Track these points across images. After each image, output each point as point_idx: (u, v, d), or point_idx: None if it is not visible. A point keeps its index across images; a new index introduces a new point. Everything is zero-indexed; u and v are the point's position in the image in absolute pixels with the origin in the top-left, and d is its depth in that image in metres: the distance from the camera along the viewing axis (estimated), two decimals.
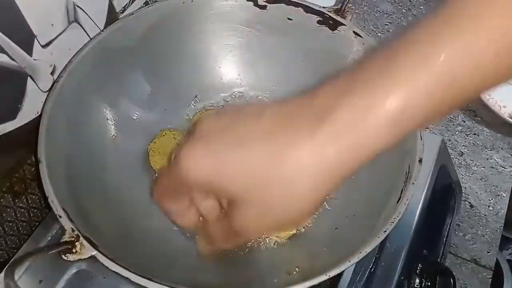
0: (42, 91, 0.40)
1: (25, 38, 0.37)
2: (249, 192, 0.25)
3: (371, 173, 0.42)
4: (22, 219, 0.43)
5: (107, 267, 0.31)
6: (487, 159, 0.60)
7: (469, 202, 0.57)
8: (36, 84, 0.39)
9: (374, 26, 0.73)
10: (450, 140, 0.62)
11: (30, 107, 0.39)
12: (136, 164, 0.45)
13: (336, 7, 0.45)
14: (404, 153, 0.38)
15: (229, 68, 0.50)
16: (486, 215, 0.57)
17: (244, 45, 0.49)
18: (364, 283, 0.42)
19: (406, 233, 0.44)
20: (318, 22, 0.46)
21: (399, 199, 0.36)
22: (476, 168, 0.59)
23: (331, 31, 0.45)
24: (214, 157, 0.25)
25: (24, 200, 0.42)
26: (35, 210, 0.44)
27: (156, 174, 0.45)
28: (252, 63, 0.50)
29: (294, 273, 0.37)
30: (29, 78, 0.38)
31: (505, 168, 0.59)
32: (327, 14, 0.45)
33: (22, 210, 0.43)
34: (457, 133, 0.62)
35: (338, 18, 0.45)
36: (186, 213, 0.31)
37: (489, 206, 0.57)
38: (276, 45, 0.49)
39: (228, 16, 0.48)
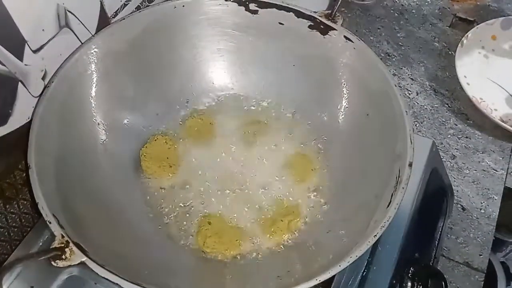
0: (33, 96, 0.40)
1: (15, 43, 0.36)
2: None
3: (362, 177, 0.42)
4: (13, 224, 0.42)
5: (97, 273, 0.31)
6: (479, 162, 0.60)
7: (461, 205, 0.58)
8: (27, 89, 0.39)
9: (367, 30, 0.74)
10: (442, 143, 0.62)
11: (21, 112, 0.39)
12: (127, 169, 0.45)
13: (328, 11, 0.45)
14: (394, 157, 0.38)
15: (220, 72, 0.51)
16: (478, 218, 0.57)
17: (236, 49, 0.49)
18: (356, 287, 0.42)
19: (398, 237, 0.44)
20: (309, 26, 0.46)
21: (389, 203, 0.36)
22: (468, 171, 0.60)
23: (322, 35, 0.46)
24: None
25: (15, 205, 0.42)
26: (27, 216, 0.44)
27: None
28: (244, 67, 0.50)
29: (285, 277, 0.37)
30: (20, 83, 0.38)
31: (496, 171, 0.60)
32: (318, 19, 0.45)
33: (13, 215, 0.42)
34: (449, 136, 0.63)
35: (329, 23, 0.45)
36: None
37: (481, 209, 0.57)
38: (267, 50, 0.49)
39: (220, 21, 0.48)
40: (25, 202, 0.43)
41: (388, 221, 0.34)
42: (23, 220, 0.44)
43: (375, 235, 0.34)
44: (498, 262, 0.91)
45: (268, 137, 0.49)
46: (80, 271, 0.40)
